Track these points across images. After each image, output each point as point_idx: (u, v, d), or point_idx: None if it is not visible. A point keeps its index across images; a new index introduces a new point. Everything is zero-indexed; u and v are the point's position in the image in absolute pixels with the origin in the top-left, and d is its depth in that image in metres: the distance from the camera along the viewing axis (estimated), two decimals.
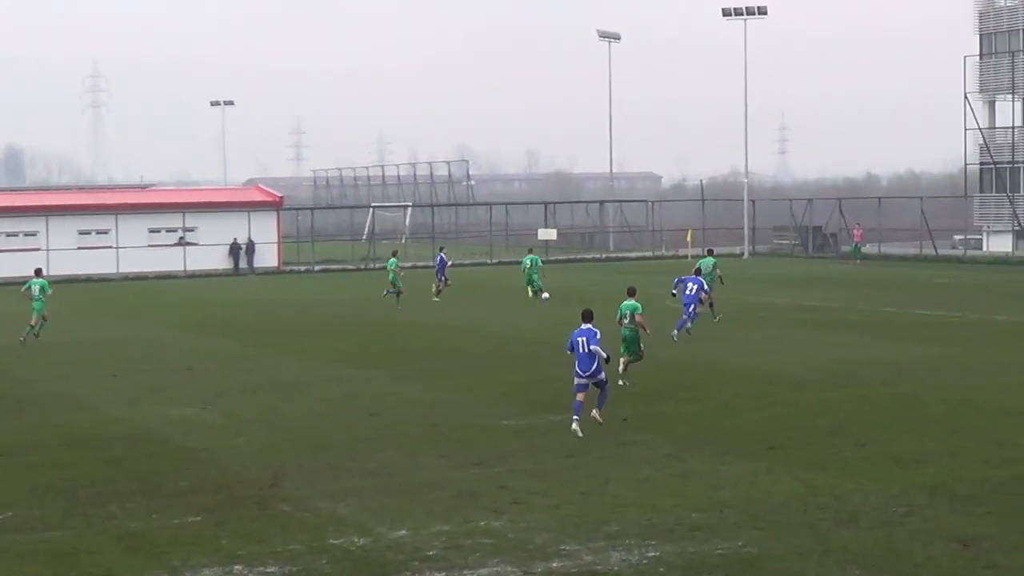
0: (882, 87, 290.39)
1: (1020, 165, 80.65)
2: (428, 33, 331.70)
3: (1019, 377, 27.32)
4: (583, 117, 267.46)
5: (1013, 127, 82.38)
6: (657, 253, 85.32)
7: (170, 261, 72.24)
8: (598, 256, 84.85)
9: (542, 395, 25.61)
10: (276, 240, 75.95)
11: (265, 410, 24.82)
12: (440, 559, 14.53)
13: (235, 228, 74.47)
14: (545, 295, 47.34)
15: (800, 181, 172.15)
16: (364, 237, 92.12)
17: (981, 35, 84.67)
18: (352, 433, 22.20)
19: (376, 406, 24.97)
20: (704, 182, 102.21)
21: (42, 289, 38.07)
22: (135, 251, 71.81)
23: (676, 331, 34.00)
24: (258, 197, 79.93)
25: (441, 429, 22.35)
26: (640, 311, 26.50)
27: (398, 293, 47.32)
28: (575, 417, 21.30)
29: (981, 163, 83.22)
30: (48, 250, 68.53)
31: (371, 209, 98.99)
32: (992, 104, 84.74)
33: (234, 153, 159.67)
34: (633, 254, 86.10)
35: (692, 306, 34.77)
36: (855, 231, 76.47)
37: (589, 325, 21.57)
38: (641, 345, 26.76)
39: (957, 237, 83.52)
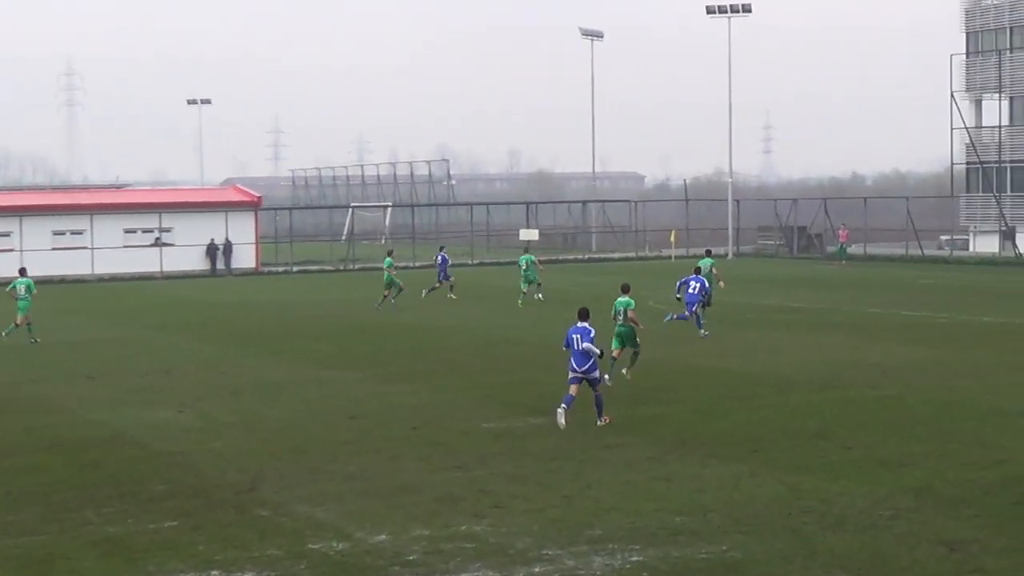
0: (868, 86, 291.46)
1: (1007, 165, 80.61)
2: (409, 32, 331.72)
3: (1006, 378, 27.25)
4: (565, 116, 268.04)
5: (1000, 126, 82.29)
6: (640, 254, 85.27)
7: (146, 262, 71.72)
8: (580, 257, 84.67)
9: (523, 398, 25.45)
10: (254, 241, 75.57)
11: (243, 413, 24.59)
12: (420, 564, 14.36)
13: (212, 228, 74.04)
14: (539, 295, 47.43)
15: (785, 181, 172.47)
16: (343, 237, 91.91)
17: (967, 33, 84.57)
18: (331, 436, 21.99)
19: (356, 409, 24.75)
20: (688, 182, 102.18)
21: (28, 288, 38.16)
22: (111, 252, 71.38)
23: (672, 316, 34.80)
24: (236, 197, 79.48)
25: (421, 432, 22.15)
26: (633, 307, 26.76)
27: (399, 289, 46.99)
28: (563, 407, 21.52)
29: (968, 163, 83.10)
30: (22, 251, 67.74)
31: (351, 209, 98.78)
32: (979, 103, 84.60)
33: (211, 152, 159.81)
34: (616, 255, 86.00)
35: (694, 306, 34.81)
36: (840, 231, 76.40)
37: (585, 324, 22.05)
38: (637, 339, 27.02)
39: (943, 237, 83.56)
